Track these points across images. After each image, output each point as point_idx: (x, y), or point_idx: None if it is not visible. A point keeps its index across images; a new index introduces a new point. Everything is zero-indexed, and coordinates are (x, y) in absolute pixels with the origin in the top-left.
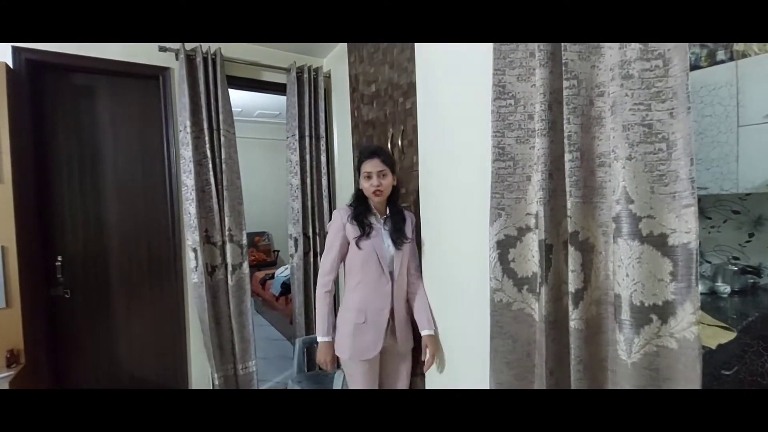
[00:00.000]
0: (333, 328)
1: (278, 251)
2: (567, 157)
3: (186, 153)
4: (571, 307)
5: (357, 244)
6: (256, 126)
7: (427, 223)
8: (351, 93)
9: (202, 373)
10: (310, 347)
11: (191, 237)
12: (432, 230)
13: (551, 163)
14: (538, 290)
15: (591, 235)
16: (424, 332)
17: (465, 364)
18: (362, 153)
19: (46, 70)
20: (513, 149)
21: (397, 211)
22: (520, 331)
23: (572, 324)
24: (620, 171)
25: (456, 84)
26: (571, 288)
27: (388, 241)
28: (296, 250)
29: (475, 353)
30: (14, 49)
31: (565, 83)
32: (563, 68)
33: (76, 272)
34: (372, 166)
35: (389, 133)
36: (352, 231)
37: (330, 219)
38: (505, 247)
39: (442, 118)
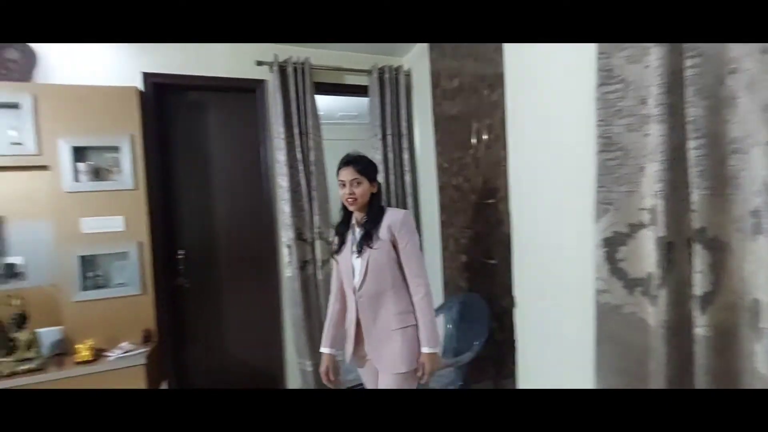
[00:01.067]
0: (335, 340)
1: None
2: (691, 144)
3: (281, 157)
4: (697, 312)
5: (335, 258)
6: (338, 128)
7: (520, 220)
8: (432, 89)
9: (296, 363)
10: None
11: (286, 234)
12: (525, 227)
13: (671, 152)
14: (654, 293)
15: (722, 232)
16: (422, 349)
17: (564, 368)
18: (339, 161)
19: (166, 90)
20: (622, 138)
21: (373, 216)
22: (632, 337)
23: (698, 331)
24: (759, 158)
25: (552, 71)
26: (698, 291)
27: (353, 249)
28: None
29: (576, 357)
30: (144, 75)
31: (688, 62)
32: (684, 46)
33: (194, 265)
34: (345, 174)
35: (473, 128)
36: (335, 245)
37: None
38: (613, 245)
39: (535, 108)
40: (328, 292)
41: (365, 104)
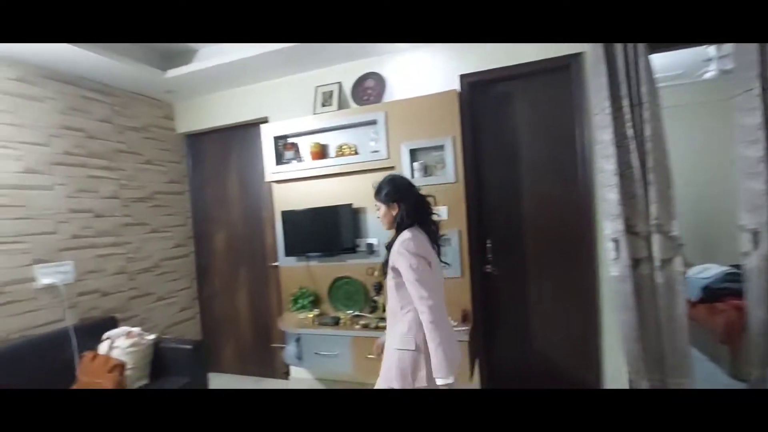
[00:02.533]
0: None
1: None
2: None
3: (604, 135)
4: None
5: None
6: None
7: None
8: None
9: (617, 375)
10: None
11: (610, 226)
12: None
13: None
14: None
15: None
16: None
17: None
18: None
19: (477, 88)
20: None
21: (393, 239)
22: None
23: None
24: None
25: None
26: None
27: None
28: (756, 247)
29: None
30: (460, 77)
31: None
32: None
33: (501, 255)
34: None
35: None
36: None
37: None
38: None
39: None
40: (671, 301)
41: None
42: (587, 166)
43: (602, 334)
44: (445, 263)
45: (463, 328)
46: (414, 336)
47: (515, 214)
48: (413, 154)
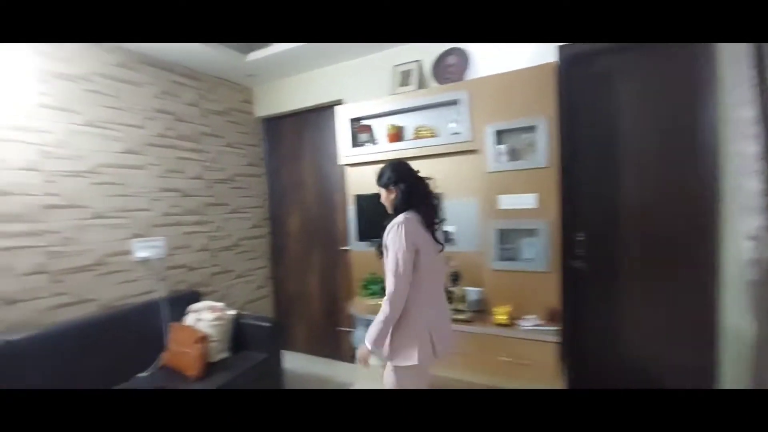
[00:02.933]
0: None
1: None
2: None
3: (744, 113)
4: None
5: None
6: None
7: None
8: None
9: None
10: None
11: (747, 221)
12: None
13: None
14: None
15: None
16: None
17: None
18: None
19: (577, 60)
20: None
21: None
22: None
23: None
24: None
25: None
26: None
27: None
28: None
29: None
30: (560, 47)
31: None
32: None
33: (594, 250)
34: None
35: None
36: None
37: None
38: None
39: None
40: None
41: None
42: (711, 151)
43: (721, 345)
44: (440, 243)
45: (551, 328)
46: (410, 317)
47: (614, 205)
48: (499, 136)
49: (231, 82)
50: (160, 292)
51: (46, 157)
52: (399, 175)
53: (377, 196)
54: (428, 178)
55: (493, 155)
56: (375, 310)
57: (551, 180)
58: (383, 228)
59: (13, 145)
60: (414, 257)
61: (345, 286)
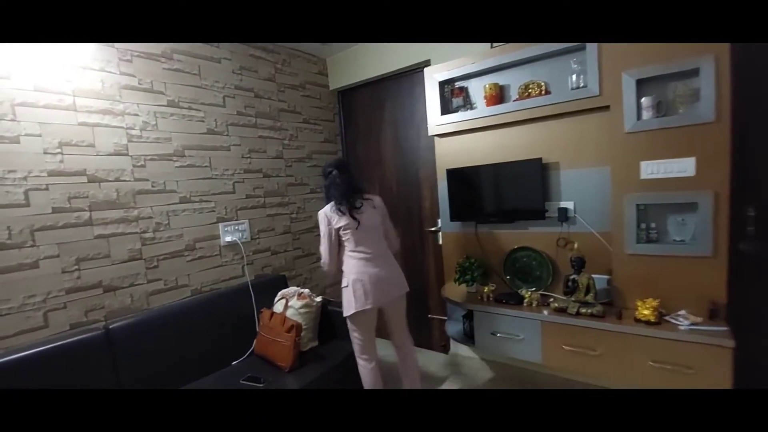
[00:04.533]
0: None
1: None
2: None
3: None
4: None
5: None
6: None
7: None
8: None
9: None
10: None
11: None
12: None
13: None
14: None
15: None
16: None
17: None
18: None
19: None
20: None
21: None
22: None
23: None
24: None
25: None
26: None
27: None
28: None
29: None
30: None
31: None
32: None
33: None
34: None
35: None
36: None
37: None
38: None
39: None
40: None
41: None
42: None
43: None
44: (356, 219)
45: (720, 328)
46: (345, 276)
47: None
48: (641, 86)
49: (305, 54)
50: (247, 276)
51: (132, 140)
52: (323, 174)
53: (479, 169)
54: (332, 170)
55: (632, 111)
56: (473, 298)
57: (720, 138)
58: (486, 205)
59: (102, 130)
60: (332, 233)
61: (433, 270)
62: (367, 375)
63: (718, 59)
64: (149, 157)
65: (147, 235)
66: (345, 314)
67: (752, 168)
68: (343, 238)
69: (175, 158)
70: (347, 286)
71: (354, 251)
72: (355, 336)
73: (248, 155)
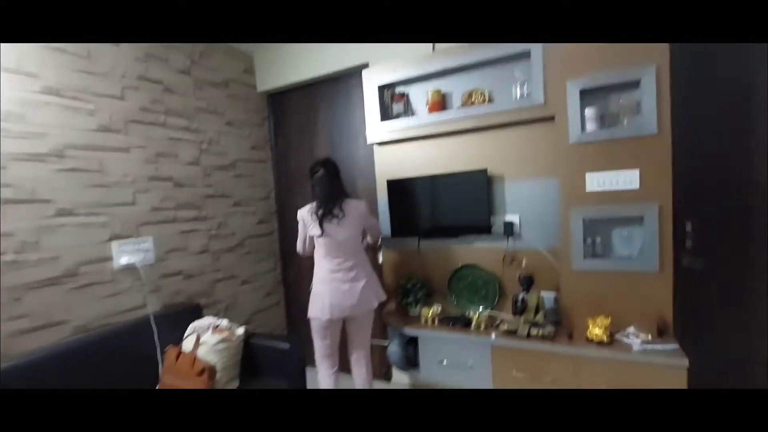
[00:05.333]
0: None
1: None
2: None
3: None
4: None
5: None
6: None
7: None
8: None
9: None
10: None
11: None
12: None
13: None
14: None
15: None
16: None
17: None
18: None
19: None
20: None
21: None
22: None
23: None
24: None
25: None
26: None
27: None
28: None
29: None
30: None
31: None
32: None
33: (709, 241)
34: None
35: None
36: None
37: None
38: None
39: None
40: None
41: None
42: None
43: None
44: (322, 229)
45: (670, 347)
46: (314, 278)
47: (737, 184)
48: (585, 97)
49: (226, 46)
50: (150, 306)
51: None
52: (309, 172)
53: (421, 180)
54: (319, 170)
55: (576, 121)
56: (416, 322)
57: (662, 150)
58: (429, 219)
59: None
60: (305, 235)
61: None
62: (325, 382)
63: (659, 71)
64: (13, 157)
65: (6, 258)
66: (308, 315)
67: (692, 181)
68: (315, 244)
69: (51, 159)
70: (312, 290)
71: (323, 259)
72: (315, 340)
73: (155, 160)
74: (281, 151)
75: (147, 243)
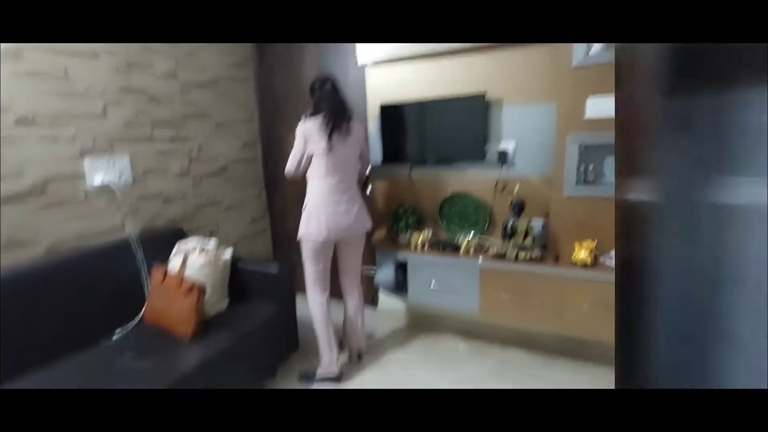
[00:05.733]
0: None
1: None
2: None
3: None
4: None
5: None
6: None
7: None
8: None
9: None
10: None
11: None
12: None
13: None
14: None
15: None
16: None
17: None
18: None
19: None
20: None
21: None
22: None
23: None
24: None
25: None
26: None
27: None
28: None
29: None
30: None
31: None
32: None
33: None
34: None
35: None
36: None
37: None
38: None
39: None
40: None
41: None
42: None
43: None
44: (331, 142)
45: None
46: (307, 198)
47: None
48: None
49: None
50: (130, 229)
51: None
52: (311, 87)
53: (415, 105)
54: (328, 82)
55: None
56: (405, 246)
57: None
58: (422, 146)
59: None
60: (304, 153)
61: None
62: (317, 309)
63: None
64: None
65: None
66: (298, 237)
67: None
68: (315, 162)
69: (5, 60)
70: (305, 211)
71: (322, 179)
72: (306, 264)
73: (126, 70)
74: (265, 72)
75: (123, 161)
